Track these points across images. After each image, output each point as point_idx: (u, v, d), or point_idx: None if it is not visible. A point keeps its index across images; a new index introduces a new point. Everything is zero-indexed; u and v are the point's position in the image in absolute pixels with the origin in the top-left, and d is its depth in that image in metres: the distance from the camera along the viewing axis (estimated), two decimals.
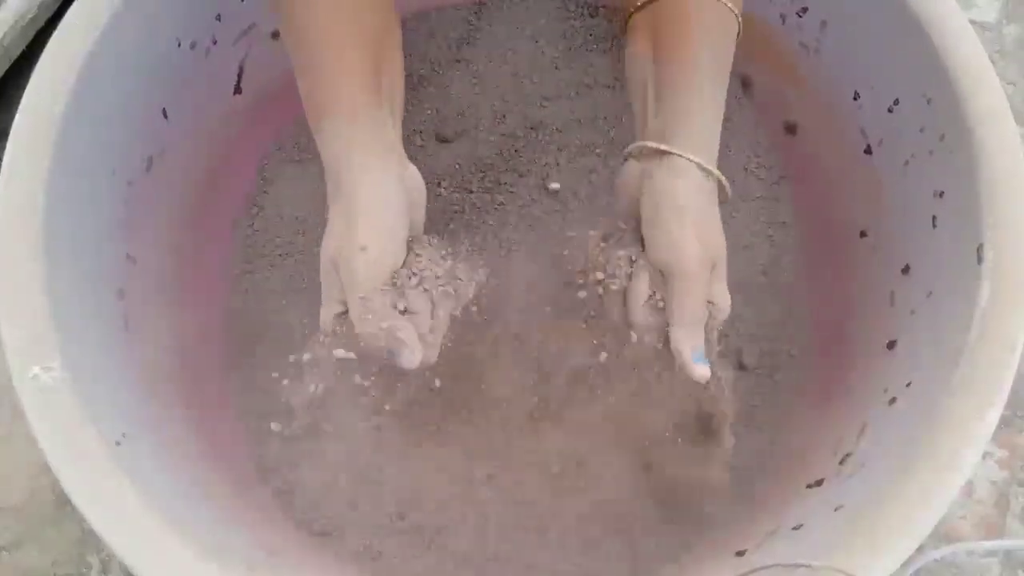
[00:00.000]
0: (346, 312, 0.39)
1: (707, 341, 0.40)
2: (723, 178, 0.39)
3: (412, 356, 0.38)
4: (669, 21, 0.39)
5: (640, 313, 0.40)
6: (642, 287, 0.39)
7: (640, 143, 0.40)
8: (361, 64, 0.37)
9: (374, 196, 0.37)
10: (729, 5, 0.39)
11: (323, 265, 0.39)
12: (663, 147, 0.38)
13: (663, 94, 0.39)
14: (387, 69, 0.39)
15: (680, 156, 0.38)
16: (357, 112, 0.37)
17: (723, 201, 0.40)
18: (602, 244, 0.42)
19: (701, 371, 0.39)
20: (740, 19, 0.40)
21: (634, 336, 0.40)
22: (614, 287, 0.40)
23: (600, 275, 0.41)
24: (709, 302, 0.39)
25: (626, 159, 0.41)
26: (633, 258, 0.40)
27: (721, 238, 0.39)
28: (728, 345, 0.51)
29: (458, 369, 0.50)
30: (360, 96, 0.37)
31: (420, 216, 0.41)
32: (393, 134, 0.39)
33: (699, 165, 0.38)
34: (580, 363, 0.51)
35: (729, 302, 0.40)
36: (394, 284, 0.38)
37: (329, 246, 0.38)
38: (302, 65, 0.38)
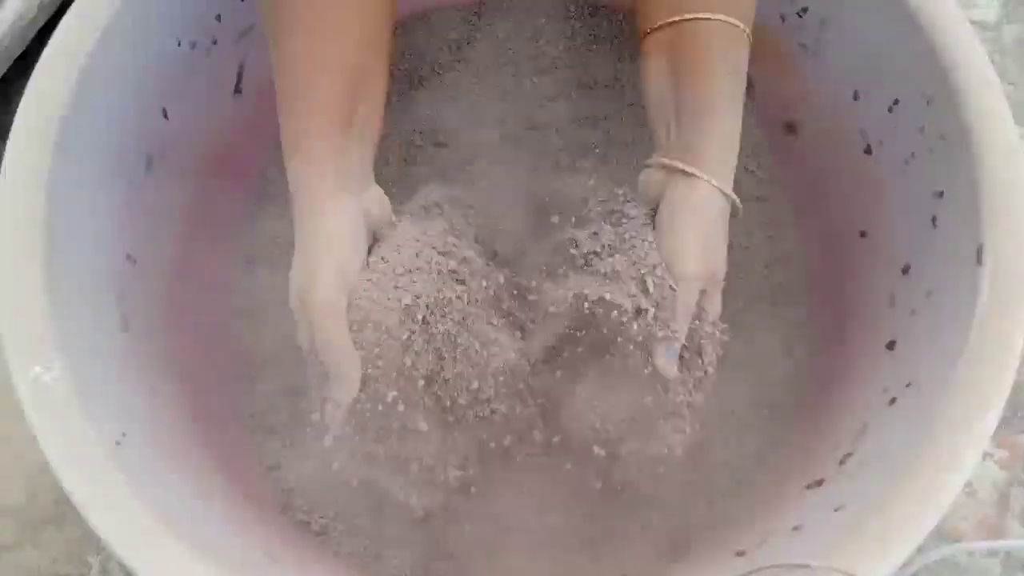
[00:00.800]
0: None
1: (695, 343, 0.41)
2: (737, 200, 0.41)
3: (343, 392, 0.40)
4: (687, 45, 0.41)
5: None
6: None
7: (664, 160, 0.41)
8: (330, 103, 0.39)
9: (325, 237, 0.40)
10: (741, 26, 0.40)
11: (291, 300, 0.41)
12: (689, 169, 0.40)
13: (683, 117, 0.41)
14: (366, 95, 0.40)
15: (701, 178, 0.40)
16: (318, 152, 0.39)
17: (734, 215, 0.42)
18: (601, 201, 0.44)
19: (667, 367, 0.40)
20: (751, 36, 0.41)
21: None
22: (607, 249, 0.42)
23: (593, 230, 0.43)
24: (702, 308, 0.41)
25: (647, 166, 0.43)
26: (650, 240, 0.41)
27: (723, 255, 0.42)
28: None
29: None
30: (323, 138, 0.39)
31: (386, 228, 0.43)
32: (357, 162, 0.41)
33: (719, 189, 0.40)
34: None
35: (719, 311, 0.42)
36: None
37: (295, 279, 0.40)
38: (279, 95, 0.40)
